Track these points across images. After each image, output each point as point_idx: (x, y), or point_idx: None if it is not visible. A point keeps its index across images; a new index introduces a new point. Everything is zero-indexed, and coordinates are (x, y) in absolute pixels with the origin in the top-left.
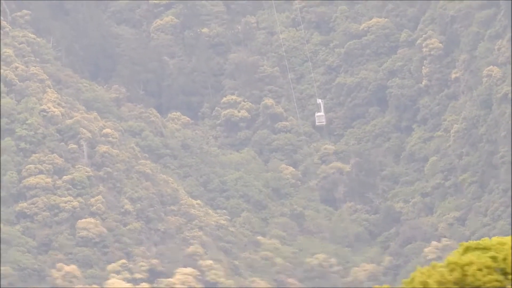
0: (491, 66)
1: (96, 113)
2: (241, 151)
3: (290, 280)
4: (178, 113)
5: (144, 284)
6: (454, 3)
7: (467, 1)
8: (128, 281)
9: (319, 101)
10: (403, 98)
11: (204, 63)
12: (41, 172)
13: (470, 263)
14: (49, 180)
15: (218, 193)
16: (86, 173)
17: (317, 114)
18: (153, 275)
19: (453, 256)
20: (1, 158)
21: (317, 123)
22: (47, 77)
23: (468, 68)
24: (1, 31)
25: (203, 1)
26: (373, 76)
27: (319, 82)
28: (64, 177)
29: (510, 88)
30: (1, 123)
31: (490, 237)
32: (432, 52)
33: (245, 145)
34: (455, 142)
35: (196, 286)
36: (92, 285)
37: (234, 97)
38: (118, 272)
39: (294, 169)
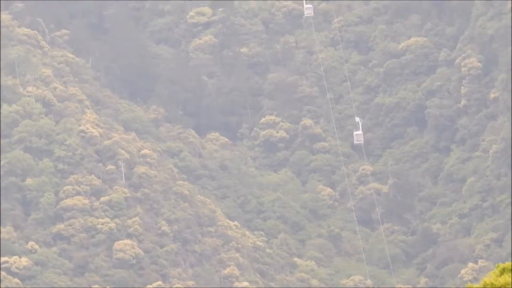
0: None
1: (134, 134)
2: (279, 172)
3: None
4: (217, 134)
5: None
6: (493, 22)
7: (506, 20)
8: None
9: (357, 119)
10: (442, 118)
11: (243, 83)
12: (78, 193)
13: (506, 285)
14: (86, 201)
15: (255, 214)
16: (124, 194)
17: (355, 132)
18: None
19: (489, 278)
20: (40, 179)
21: (355, 142)
22: (86, 98)
23: (507, 88)
24: (40, 51)
25: (242, 20)
26: (411, 96)
27: (358, 102)
28: (102, 198)
29: None
30: (40, 144)
31: None
32: (471, 72)
33: (283, 165)
34: (494, 163)
35: None
36: None
37: (272, 117)
38: None
39: (331, 190)
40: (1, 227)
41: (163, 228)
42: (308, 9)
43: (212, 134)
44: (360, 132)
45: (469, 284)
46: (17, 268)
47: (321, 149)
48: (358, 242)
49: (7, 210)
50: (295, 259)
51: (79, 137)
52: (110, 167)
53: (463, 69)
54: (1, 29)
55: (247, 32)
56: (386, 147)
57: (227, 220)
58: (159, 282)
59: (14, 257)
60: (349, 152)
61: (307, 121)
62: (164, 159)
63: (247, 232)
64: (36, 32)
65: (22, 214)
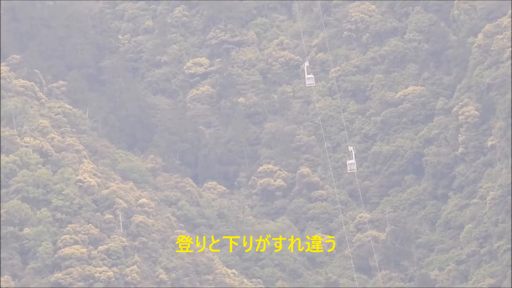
0: None
1: (132, 183)
2: (276, 220)
3: None
4: (214, 183)
5: None
6: (490, 71)
7: (503, 69)
8: None
9: (350, 148)
10: (439, 165)
11: (240, 133)
12: (76, 242)
13: None
14: (84, 250)
15: (253, 262)
16: (122, 243)
17: (348, 161)
18: None
19: None
20: (38, 228)
21: (348, 171)
22: (83, 148)
23: (505, 135)
24: (38, 102)
25: (239, 71)
26: (409, 144)
27: (355, 150)
28: (100, 247)
29: None
30: (38, 194)
31: None
32: (468, 120)
33: (281, 214)
34: (491, 210)
35: None
36: None
37: (270, 166)
38: None
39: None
40: None
41: (161, 276)
42: (309, 79)
43: (210, 183)
44: (353, 161)
45: None
46: None
47: (319, 197)
48: None
49: (5, 260)
50: None
51: (76, 186)
52: (108, 216)
53: (460, 117)
54: None
55: (245, 82)
56: (384, 194)
57: (225, 268)
58: None
59: None
60: (346, 200)
61: (304, 170)
62: (161, 208)
63: (245, 280)
64: (33, 84)
65: (20, 263)
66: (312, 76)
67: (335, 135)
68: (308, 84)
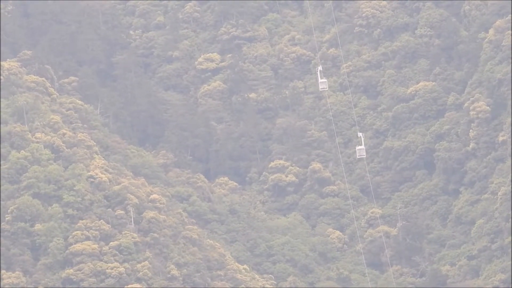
0: None
1: (143, 179)
2: (288, 215)
3: None
4: (226, 178)
5: None
6: (501, 66)
7: None
8: None
9: (360, 134)
10: (451, 161)
11: (252, 128)
12: (87, 238)
13: None
14: (95, 246)
15: (265, 257)
16: (133, 239)
17: (357, 147)
18: None
19: None
20: (49, 224)
21: (357, 156)
22: (95, 143)
23: None
24: (49, 98)
25: (250, 66)
26: (420, 140)
27: (367, 146)
28: (111, 243)
29: None
30: (49, 190)
31: None
32: (479, 115)
33: (292, 209)
34: (502, 205)
35: None
36: None
37: (281, 161)
38: None
39: (341, 233)
40: (11, 273)
41: (172, 272)
42: (322, 83)
43: (221, 178)
44: (362, 147)
45: None
46: None
47: (330, 193)
48: (367, 284)
49: (16, 256)
50: None
51: (88, 182)
52: (119, 212)
53: (471, 112)
54: (10, 76)
55: (256, 77)
56: (395, 190)
57: (236, 263)
58: None
59: None
60: (358, 196)
61: (316, 165)
62: (173, 204)
63: (256, 276)
64: (45, 79)
65: (31, 259)
66: (325, 80)
67: (347, 131)
68: (321, 89)
